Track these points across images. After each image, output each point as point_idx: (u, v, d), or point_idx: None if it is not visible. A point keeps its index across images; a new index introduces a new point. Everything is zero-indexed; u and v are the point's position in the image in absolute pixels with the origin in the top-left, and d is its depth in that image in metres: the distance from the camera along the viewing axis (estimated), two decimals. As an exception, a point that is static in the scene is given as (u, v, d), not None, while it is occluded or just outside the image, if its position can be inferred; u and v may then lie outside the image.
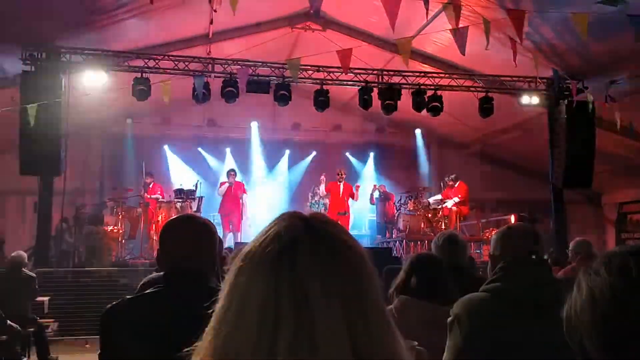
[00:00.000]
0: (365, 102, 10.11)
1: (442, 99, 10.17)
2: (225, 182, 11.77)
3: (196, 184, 11.59)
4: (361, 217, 13.84)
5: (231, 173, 11.86)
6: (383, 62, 10.90)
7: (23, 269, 7.12)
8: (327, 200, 11.89)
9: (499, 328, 1.86)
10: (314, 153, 14.70)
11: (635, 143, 10.10)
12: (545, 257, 2.19)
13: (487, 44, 6.29)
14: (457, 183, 11.25)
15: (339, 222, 0.98)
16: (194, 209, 11.12)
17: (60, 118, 8.59)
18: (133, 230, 11.17)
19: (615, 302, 0.82)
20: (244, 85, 9.31)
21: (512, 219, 11.35)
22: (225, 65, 9.72)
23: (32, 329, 6.89)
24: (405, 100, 10.13)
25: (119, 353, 1.64)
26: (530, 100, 10.41)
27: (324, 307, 0.71)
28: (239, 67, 9.62)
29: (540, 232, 2.30)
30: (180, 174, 13.44)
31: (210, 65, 9.74)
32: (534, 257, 2.03)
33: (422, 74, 10.35)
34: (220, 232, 9.28)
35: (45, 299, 7.70)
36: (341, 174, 11.69)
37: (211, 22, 9.14)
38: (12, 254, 7.20)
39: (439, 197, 11.55)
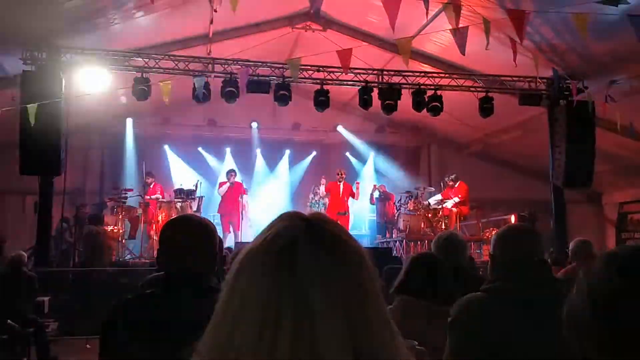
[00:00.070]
0: (366, 102, 10.10)
1: (442, 98, 10.16)
2: (225, 182, 11.77)
3: (196, 184, 11.59)
4: (361, 217, 13.84)
5: (231, 173, 11.86)
6: (383, 62, 10.90)
7: (23, 269, 7.12)
8: (327, 200, 11.89)
9: (498, 328, 1.86)
10: (314, 153, 14.71)
11: (636, 143, 10.09)
12: (545, 257, 2.19)
13: (487, 44, 6.29)
14: (457, 183, 11.25)
15: (338, 222, 0.99)
16: (194, 209, 11.12)
17: (60, 118, 8.58)
18: (133, 230, 11.16)
19: (615, 302, 0.82)
20: (244, 85, 9.31)
21: (512, 218, 11.36)
22: (226, 65, 9.72)
23: (32, 329, 6.89)
24: (405, 100, 10.12)
25: (119, 353, 1.64)
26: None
27: (325, 307, 0.71)
28: (239, 67, 9.62)
29: (540, 232, 2.30)
30: (181, 173, 13.44)
31: (210, 65, 9.74)
32: (533, 257, 2.03)
33: (422, 74, 10.35)
34: (219, 232, 9.27)
35: (46, 299, 7.70)
36: (341, 174, 11.69)
37: (211, 22, 9.14)
38: (12, 254, 7.20)
39: (439, 197, 11.55)
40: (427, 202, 11.56)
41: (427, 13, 5.76)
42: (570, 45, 8.84)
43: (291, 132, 14.48)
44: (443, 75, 10.48)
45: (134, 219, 11.12)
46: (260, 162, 14.55)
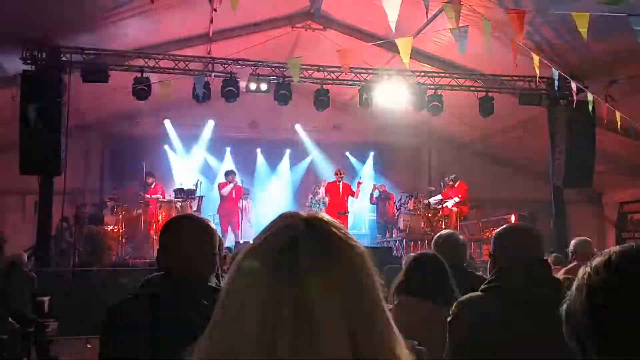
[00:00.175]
0: (366, 102, 10.10)
1: (442, 98, 10.16)
2: (226, 183, 11.75)
3: (196, 184, 11.59)
4: (361, 217, 13.85)
5: (232, 174, 11.86)
6: (383, 61, 10.90)
7: (23, 269, 7.12)
8: (327, 200, 11.90)
9: (498, 327, 1.86)
10: (315, 153, 14.71)
11: (636, 143, 10.09)
12: (545, 256, 2.18)
13: (488, 44, 6.29)
14: (457, 183, 11.26)
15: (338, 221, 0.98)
16: (194, 208, 11.12)
17: (60, 117, 8.58)
18: (133, 230, 11.16)
19: (613, 302, 0.82)
20: (244, 85, 9.31)
21: (512, 218, 11.35)
22: (226, 65, 9.71)
23: (32, 329, 6.89)
24: (406, 99, 10.12)
25: (119, 353, 1.64)
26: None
27: (325, 307, 0.71)
28: (239, 66, 9.62)
29: (540, 232, 2.30)
30: (182, 173, 13.45)
31: (210, 65, 9.74)
32: (533, 256, 2.03)
33: (423, 73, 10.35)
34: (219, 232, 9.27)
35: (46, 298, 7.71)
36: (340, 174, 11.70)
37: (211, 22, 9.14)
38: (12, 254, 7.20)
39: (439, 197, 11.55)
40: (427, 201, 11.56)
41: (427, 13, 5.75)
42: (570, 45, 8.83)
43: (291, 131, 14.47)
44: (443, 74, 10.48)
45: (134, 218, 11.12)
46: (261, 162, 14.55)
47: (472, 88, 10.39)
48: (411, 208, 11.66)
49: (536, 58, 7.34)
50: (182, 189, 11.33)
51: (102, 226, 10.16)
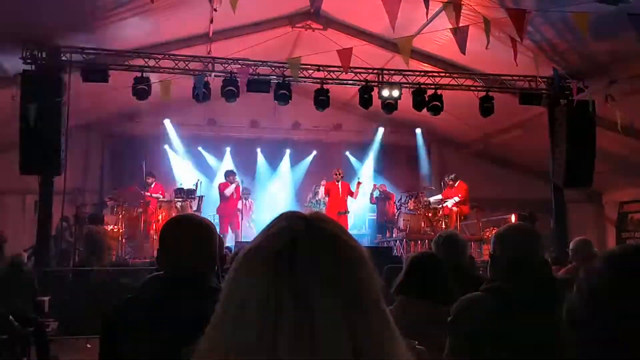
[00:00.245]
0: (366, 102, 10.10)
1: (442, 98, 10.16)
2: (228, 183, 11.74)
3: (196, 183, 11.59)
4: (361, 217, 13.85)
5: (232, 174, 11.86)
6: (383, 61, 10.90)
7: (23, 269, 7.12)
8: (327, 199, 11.90)
9: (498, 327, 1.86)
10: (315, 152, 14.71)
11: (636, 142, 10.10)
12: (545, 256, 2.18)
13: (488, 43, 6.29)
14: (457, 183, 11.26)
15: (339, 221, 0.98)
16: (194, 208, 11.12)
17: (60, 117, 8.58)
18: (133, 230, 11.16)
19: (614, 301, 0.82)
20: (244, 85, 9.30)
21: (513, 218, 11.35)
22: (226, 65, 9.71)
23: (32, 329, 6.89)
24: (406, 99, 10.12)
25: (119, 353, 1.64)
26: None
27: (324, 307, 0.71)
28: (239, 66, 9.62)
29: (540, 232, 2.30)
30: (182, 173, 13.45)
31: (210, 65, 9.73)
32: (534, 256, 2.03)
33: (423, 73, 10.34)
34: (218, 232, 9.28)
35: (46, 298, 7.71)
36: (338, 173, 11.71)
37: (211, 21, 9.14)
38: (12, 254, 7.21)
39: (439, 196, 11.55)
40: (427, 201, 11.56)
41: (427, 12, 5.76)
42: (570, 45, 8.83)
43: (291, 131, 14.47)
44: (443, 74, 10.47)
45: (134, 218, 11.12)
46: (261, 161, 14.55)
47: (472, 88, 10.39)
48: (411, 208, 11.66)
49: (536, 57, 7.35)
50: (182, 189, 11.34)
51: (102, 226, 10.15)
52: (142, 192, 11.25)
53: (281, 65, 9.71)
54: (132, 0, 8.15)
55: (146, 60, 9.40)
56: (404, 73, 10.17)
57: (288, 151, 14.70)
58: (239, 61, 9.65)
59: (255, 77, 9.66)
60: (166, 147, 13.76)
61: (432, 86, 10.27)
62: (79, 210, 10.81)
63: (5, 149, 10.43)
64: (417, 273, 2.65)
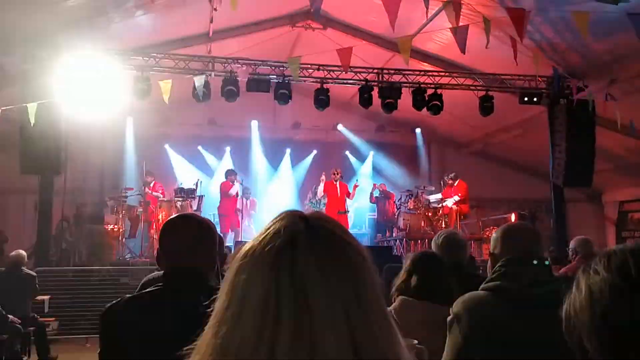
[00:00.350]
0: (366, 101, 10.10)
1: (442, 97, 10.16)
2: (230, 183, 11.74)
3: (196, 183, 11.59)
4: (361, 216, 13.85)
5: (234, 174, 11.85)
6: (383, 60, 10.90)
7: (23, 268, 7.12)
8: (325, 198, 11.92)
9: (498, 327, 1.86)
10: (315, 152, 14.70)
11: (636, 141, 10.10)
12: (545, 255, 2.18)
13: (488, 43, 6.29)
14: (457, 181, 11.26)
15: (339, 221, 0.98)
16: (194, 207, 11.12)
17: (60, 117, 8.58)
18: (133, 229, 11.16)
19: (614, 301, 0.82)
20: (244, 84, 9.30)
21: (513, 217, 11.36)
22: (226, 64, 9.71)
23: (32, 328, 6.90)
24: (406, 99, 10.12)
25: (118, 352, 1.64)
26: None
27: (324, 306, 0.71)
28: (239, 65, 9.62)
29: (540, 231, 2.30)
30: (183, 172, 13.45)
31: (210, 64, 9.74)
32: (533, 255, 2.03)
33: (423, 73, 10.34)
34: (218, 231, 9.27)
35: (46, 298, 7.72)
36: (337, 174, 11.72)
37: (211, 21, 9.14)
38: (12, 253, 7.21)
39: (439, 195, 11.55)
40: (427, 200, 11.56)
41: (427, 12, 5.75)
42: (570, 44, 8.83)
43: (291, 131, 14.47)
44: (443, 74, 10.47)
45: (134, 218, 11.11)
46: (262, 161, 14.54)
47: (472, 87, 10.39)
48: (411, 207, 11.67)
49: (536, 57, 7.35)
50: (182, 188, 11.33)
51: (102, 225, 10.16)
52: (142, 192, 11.23)
53: (281, 64, 9.71)
54: (132, -1, 8.15)
55: (146, 59, 9.40)
56: (403, 72, 10.17)
57: (288, 150, 14.69)
58: (239, 61, 9.65)
59: (255, 76, 9.66)
60: (166, 146, 13.76)
61: (432, 86, 10.27)
62: (79, 210, 10.82)
63: (6, 148, 10.43)
64: (417, 272, 2.65)
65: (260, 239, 0.78)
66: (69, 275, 8.90)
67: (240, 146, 14.11)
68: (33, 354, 7.01)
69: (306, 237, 0.76)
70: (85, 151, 12.85)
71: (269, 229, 0.80)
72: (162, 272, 1.84)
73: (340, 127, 14.64)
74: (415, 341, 1.85)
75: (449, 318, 1.96)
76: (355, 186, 11.87)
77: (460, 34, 6.39)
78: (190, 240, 1.79)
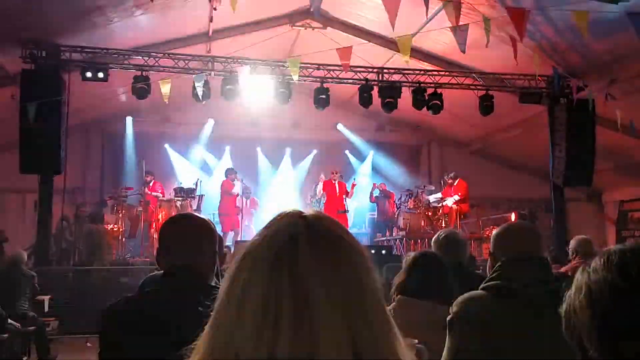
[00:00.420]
0: (366, 100, 10.10)
1: (442, 97, 10.15)
2: (231, 182, 11.73)
3: (196, 182, 11.59)
4: (361, 215, 13.85)
5: (234, 173, 11.84)
6: (383, 60, 10.89)
7: (23, 268, 7.12)
8: (324, 198, 11.94)
9: (498, 326, 1.86)
10: (315, 151, 14.70)
11: (636, 141, 10.09)
12: (545, 255, 2.18)
13: (488, 42, 6.29)
14: (457, 181, 11.25)
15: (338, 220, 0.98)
16: (194, 207, 11.12)
17: (60, 116, 8.58)
18: (133, 229, 11.16)
19: (614, 301, 0.82)
20: (244, 84, 9.29)
21: (513, 217, 11.36)
22: (225, 64, 9.71)
23: (32, 328, 6.89)
24: (406, 98, 10.12)
25: (118, 352, 1.64)
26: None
27: (324, 306, 0.71)
28: (239, 65, 9.61)
29: (540, 230, 2.30)
30: (183, 172, 13.45)
31: (210, 63, 9.73)
32: (533, 255, 2.03)
33: (422, 72, 10.33)
34: (218, 231, 9.27)
35: (46, 297, 7.71)
36: (335, 173, 11.72)
37: (211, 20, 9.13)
38: (12, 253, 7.21)
39: (439, 195, 11.55)
40: (427, 199, 11.56)
41: (427, 11, 5.75)
42: (570, 44, 8.83)
43: (291, 130, 14.46)
44: (443, 73, 10.46)
45: (134, 217, 11.11)
46: (262, 161, 14.54)
47: (472, 86, 10.38)
48: (411, 206, 11.67)
49: (536, 56, 7.35)
50: (182, 188, 11.33)
51: (102, 225, 10.16)
52: (142, 192, 11.23)
53: (281, 64, 9.70)
54: (131, -1, 8.14)
55: (146, 59, 9.40)
56: (403, 72, 10.17)
57: (288, 150, 14.68)
58: (239, 60, 9.65)
59: (256, 76, 9.65)
60: (166, 146, 13.76)
61: (432, 85, 10.26)
62: (79, 209, 10.82)
63: (6, 147, 10.43)
64: (417, 272, 2.65)
65: (261, 238, 0.78)
66: (69, 274, 8.90)
67: (240, 146, 14.10)
68: (33, 354, 7.01)
69: (306, 236, 0.76)
70: (85, 150, 12.89)
71: (269, 228, 0.80)
72: (162, 271, 1.84)
73: (340, 126, 14.61)
74: (415, 341, 1.85)
75: (448, 317, 1.95)
76: (353, 185, 11.89)
77: (460, 34, 6.39)
78: (189, 239, 1.79)
